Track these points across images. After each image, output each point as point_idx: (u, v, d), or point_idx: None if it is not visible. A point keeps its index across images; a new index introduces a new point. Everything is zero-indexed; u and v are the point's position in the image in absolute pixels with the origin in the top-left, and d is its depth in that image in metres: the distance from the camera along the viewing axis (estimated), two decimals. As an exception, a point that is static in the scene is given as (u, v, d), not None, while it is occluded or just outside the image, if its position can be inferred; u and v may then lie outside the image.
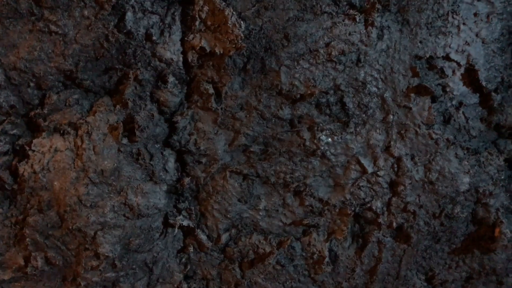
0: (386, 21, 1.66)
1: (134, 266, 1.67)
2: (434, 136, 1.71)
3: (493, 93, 1.72)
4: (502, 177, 1.75)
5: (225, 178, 1.69)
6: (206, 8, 1.59)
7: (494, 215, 1.73)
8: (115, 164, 1.61)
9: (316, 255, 1.72)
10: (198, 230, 1.71)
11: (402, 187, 1.71)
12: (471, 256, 1.76)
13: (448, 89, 1.71)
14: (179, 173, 1.69)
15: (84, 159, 1.59)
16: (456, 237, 1.75)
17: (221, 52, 1.61)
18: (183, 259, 1.73)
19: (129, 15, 1.56)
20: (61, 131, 1.60)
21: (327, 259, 1.71)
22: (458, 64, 1.71)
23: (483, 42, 1.71)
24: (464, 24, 1.69)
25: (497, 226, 1.73)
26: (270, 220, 1.72)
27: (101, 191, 1.61)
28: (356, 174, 1.70)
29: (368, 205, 1.71)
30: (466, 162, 1.73)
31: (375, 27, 1.66)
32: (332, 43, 1.64)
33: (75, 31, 1.55)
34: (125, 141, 1.62)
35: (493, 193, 1.74)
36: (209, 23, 1.60)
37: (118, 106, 1.61)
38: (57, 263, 1.63)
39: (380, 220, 1.72)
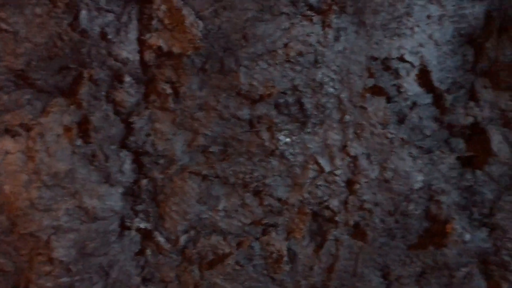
0: (342, 22, 1.76)
1: (89, 270, 1.70)
2: (389, 135, 1.82)
3: (445, 94, 1.85)
4: (454, 175, 1.88)
5: (183, 179, 1.74)
6: (163, 7, 1.64)
7: (446, 211, 1.86)
8: (69, 166, 1.63)
9: (275, 254, 1.80)
10: (156, 232, 1.75)
11: (358, 186, 1.81)
12: (424, 252, 1.88)
13: (402, 90, 1.83)
14: (136, 175, 1.72)
15: (37, 161, 1.60)
16: (411, 234, 1.88)
17: (179, 51, 1.65)
18: (141, 262, 1.77)
19: (83, 13, 1.59)
20: (12, 133, 1.60)
21: (285, 258, 1.80)
22: (412, 65, 1.83)
23: (435, 44, 1.83)
24: (417, 26, 1.81)
25: (448, 222, 1.87)
26: (229, 220, 1.78)
27: (54, 194, 1.63)
28: (314, 173, 1.80)
29: (326, 203, 1.81)
30: (419, 161, 1.85)
31: (332, 28, 1.75)
32: (290, 44, 1.72)
33: (27, 29, 1.55)
34: (79, 142, 1.64)
35: (445, 190, 1.87)
36: (166, 22, 1.65)
37: (72, 107, 1.63)
38: (8, 269, 1.63)
39: (337, 218, 1.82)
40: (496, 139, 1.90)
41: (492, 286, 1.91)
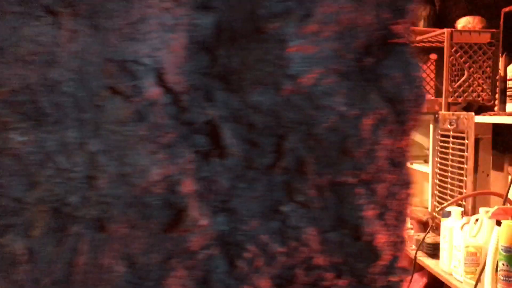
0: (77, 24, 1.88)
1: None
2: (128, 133, 2.01)
3: (183, 94, 2.12)
4: (192, 167, 2.16)
5: None
6: None
7: (184, 200, 2.13)
8: None
9: (13, 255, 1.82)
10: None
11: (98, 181, 1.95)
12: (168, 239, 2.12)
13: (140, 91, 2.04)
14: None
15: None
16: (153, 223, 2.09)
17: None
18: None
19: None
20: None
21: (24, 257, 1.84)
22: (150, 68, 2.05)
23: (171, 50, 2.09)
24: (153, 32, 2.04)
25: (186, 209, 2.14)
26: (-45, 224, 1.75)
27: None
28: (52, 171, 1.88)
29: (66, 200, 1.91)
30: (159, 156, 2.08)
31: (67, 29, 1.87)
32: (20, 42, 1.78)
33: None
34: None
35: (183, 181, 2.14)
36: None
37: None
38: None
39: (78, 213, 1.93)
40: (228, 134, 2.24)
41: (229, 264, 2.24)
